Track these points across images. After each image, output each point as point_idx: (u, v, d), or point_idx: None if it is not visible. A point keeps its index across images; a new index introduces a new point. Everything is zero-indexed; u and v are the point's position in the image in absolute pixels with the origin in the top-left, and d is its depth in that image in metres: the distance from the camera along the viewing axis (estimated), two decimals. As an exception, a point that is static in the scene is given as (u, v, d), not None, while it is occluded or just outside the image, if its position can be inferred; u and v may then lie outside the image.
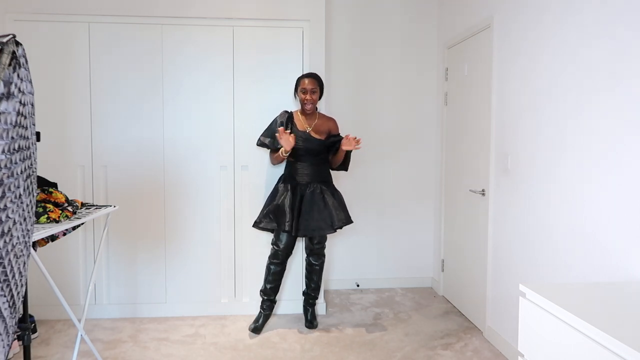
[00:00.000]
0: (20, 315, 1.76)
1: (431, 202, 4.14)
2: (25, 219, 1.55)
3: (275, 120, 3.12)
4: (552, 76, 2.38)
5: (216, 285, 3.43)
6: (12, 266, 1.47)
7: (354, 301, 3.77)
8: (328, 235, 3.30)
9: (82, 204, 2.58)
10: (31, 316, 3.04)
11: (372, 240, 4.11)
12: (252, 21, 3.35)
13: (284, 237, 3.11)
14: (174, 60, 3.31)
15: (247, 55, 3.36)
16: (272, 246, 3.17)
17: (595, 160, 2.06)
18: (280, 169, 3.35)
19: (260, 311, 3.21)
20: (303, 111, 3.13)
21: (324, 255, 3.29)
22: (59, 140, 3.24)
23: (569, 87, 2.24)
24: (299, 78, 3.14)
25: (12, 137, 1.41)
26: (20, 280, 1.55)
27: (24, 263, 1.58)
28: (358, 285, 4.10)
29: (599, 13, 2.04)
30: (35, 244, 2.23)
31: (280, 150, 2.99)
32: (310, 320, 3.25)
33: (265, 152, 3.37)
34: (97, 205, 2.63)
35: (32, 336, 2.95)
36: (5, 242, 1.42)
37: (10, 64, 1.39)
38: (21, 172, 1.48)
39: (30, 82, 1.53)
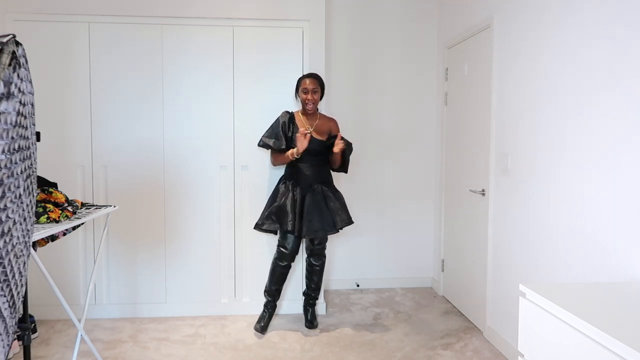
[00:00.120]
0: (20, 315, 1.76)
1: (431, 202, 4.14)
2: (25, 219, 1.55)
3: (277, 121, 3.11)
4: (552, 76, 2.38)
5: (216, 285, 3.43)
6: (12, 266, 1.47)
7: (354, 301, 3.77)
8: (329, 236, 3.30)
9: (82, 204, 2.58)
10: (31, 316, 3.04)
11: (372, 240, 4.11)
12: (252, 21, 3.35)
13: (290, 239, 3.11)
14: (174, 60, 3.31)
15: (247, 55, 3.36)
16: (278, 248, 3.17)
17: (595, 160, 2.06)
18: (280, 170, 3.35)
19: (264, 310, 3.21)
20: (304, 111, 3.12)
21: (324, 256, 3.29)
22: (59, 140, 3.24)
23: (569, 87, 2.24)
24: (300, 78, 3.14)
25: (12, 137, 1.41)
26: (20, 280, 1.55)
27: (24, 263, 1.58)
28: (358, 285, 4.10)
29: (599, 13, 2.04)
30: (35, 244, 2.23)
31: (291, 151, 2.98)
32: (311, 321, 3.25)
33: (265, 152, 3.36)
34: (97, 205, 2.63)
35: (32, 336, 2.95)
36: (5, 242, 1.42)
37: (10, 64, 1.39)
38: (21, 172, 1.48)
39: (30, 82, 1.53)
